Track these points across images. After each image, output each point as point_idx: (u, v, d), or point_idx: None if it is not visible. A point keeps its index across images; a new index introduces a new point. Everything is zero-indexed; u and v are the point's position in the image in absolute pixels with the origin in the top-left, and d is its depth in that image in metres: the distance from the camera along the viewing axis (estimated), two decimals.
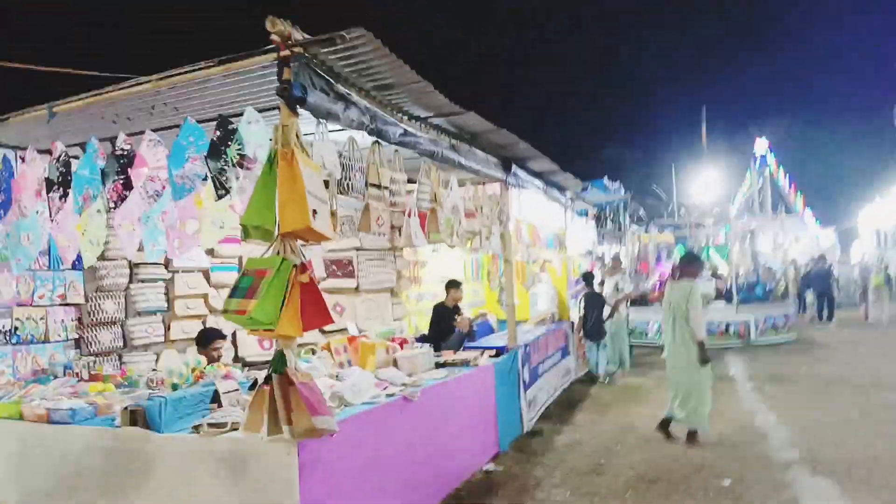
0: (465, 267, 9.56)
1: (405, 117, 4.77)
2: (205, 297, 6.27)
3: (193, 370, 4.89)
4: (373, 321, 7.42)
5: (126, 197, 4.23)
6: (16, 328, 5.14)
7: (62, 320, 5.47)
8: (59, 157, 4.56)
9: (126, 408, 3.89)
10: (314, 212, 3.35)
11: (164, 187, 4.10)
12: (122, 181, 4.23)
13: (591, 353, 10.56)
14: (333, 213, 3.86)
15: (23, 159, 4.89)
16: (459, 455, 5.41)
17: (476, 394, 6.04)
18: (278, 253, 3.40)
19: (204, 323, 6.29)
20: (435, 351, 6.90)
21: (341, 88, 3.93)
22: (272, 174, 3.38)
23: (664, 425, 6.75)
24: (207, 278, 6.39)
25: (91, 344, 5.64)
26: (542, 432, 7.18)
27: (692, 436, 6.56)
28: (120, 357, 5.87)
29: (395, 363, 5.54)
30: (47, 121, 4.41)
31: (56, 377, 5.08)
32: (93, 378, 5.05)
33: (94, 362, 5.54)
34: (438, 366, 6.09)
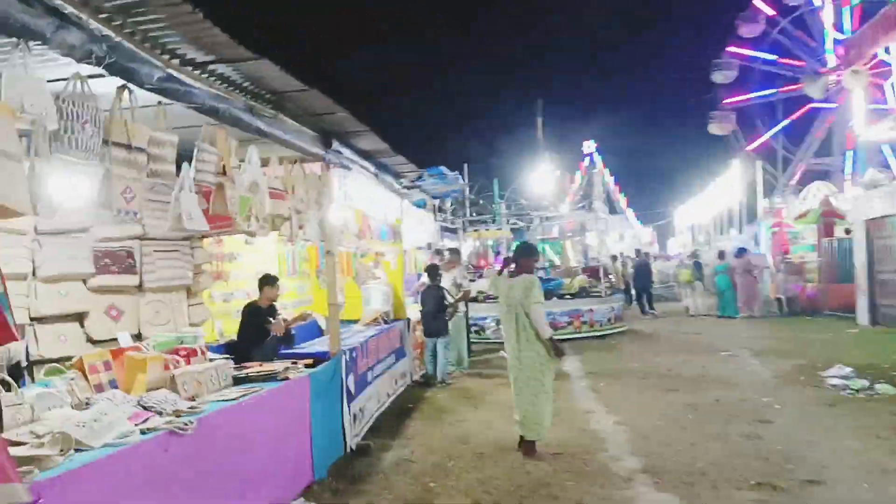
0: (284, 260, 8.38)
1: (170, 58, 3.58)
2: None
3: None
4: (162, 327, 6.06)
5: None
6: None
7: None
8: None
9: None
10: None
11: None
12: None
13: (429, 351, 9.84)
14: (31, 178, 2.64)
15: None
16: (254, 495, 4.32)
17: (283, 414, 4.96)
18: None
19: None
20: (244, 361, 5.75)
21: None
22: None
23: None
24: None
25: None
26: (368, 450, 6.25)
27: (530, 446, 5.97)
28: None
29: (171, 382, 4.32)
30: None
31: None
32: None
33: None
34: (238, 381, 4.95)
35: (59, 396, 3.78)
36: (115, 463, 3.08)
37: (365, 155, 7.41)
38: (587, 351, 12.32)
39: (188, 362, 4.77)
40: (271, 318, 6.76)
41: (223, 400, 4.29)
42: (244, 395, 4.44)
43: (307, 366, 5.74)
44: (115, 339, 5.60)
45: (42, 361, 5.17)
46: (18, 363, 4.59)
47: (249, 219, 5.13)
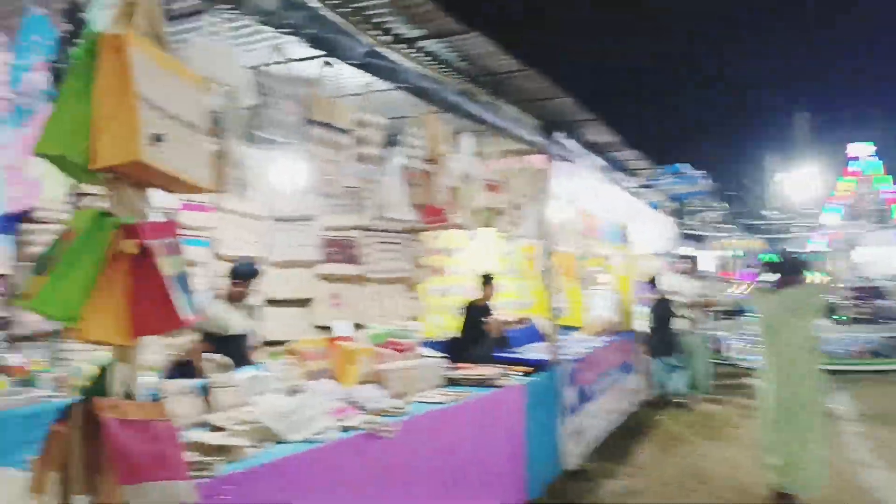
0: (508, 258, 7.97)
1: (376, 32, 3.27)
2: None
3: None
4: (381, 318, 6.01)
5: None
6: None
7: None
8: None
9: None
10: (156, 137, 1.92)
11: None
12: None
13: (658, 372, 8.80)
14: (221, 156, 2.45)
15: None
16: None
17: (494, 424, 4.51)
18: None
19: None
20: (460, 361, 5.44)
21: None
22: (86, 76, 1.95)
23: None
24: None
25: (16, 326, 4.45)
26: (588, 473, 5.58)
27: (789, 501, 4.82)
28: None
29: (381, 377, 4.09)
30: None
31: None
32: None
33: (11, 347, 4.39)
34: (452, 383, 4.60)
35: (269, 381, 3.73)
36: (307, 459, 2.83)
37: (592, 148, 6.72)
38: (861, 387, 10.20)
39: (400, 355, 4.53)
40: (485, 318, 6.42)
41: (430, 402, 3.95)
42: (453, 400, 4.06)
43: (524, 374, 5.25)
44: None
45: (272, 343, 5.33)
46: (242, 343, 4.74)
47: (460, 211, 4.75)
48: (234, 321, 4.62)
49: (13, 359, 4.32)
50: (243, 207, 5.25)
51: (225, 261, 5.24)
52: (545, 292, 6.06)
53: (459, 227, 5.60)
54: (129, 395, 1.98)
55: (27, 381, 3.90)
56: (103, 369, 1.99)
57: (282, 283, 5.43)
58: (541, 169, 5.94)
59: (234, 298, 4.65)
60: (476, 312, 6.25)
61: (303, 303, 5.63)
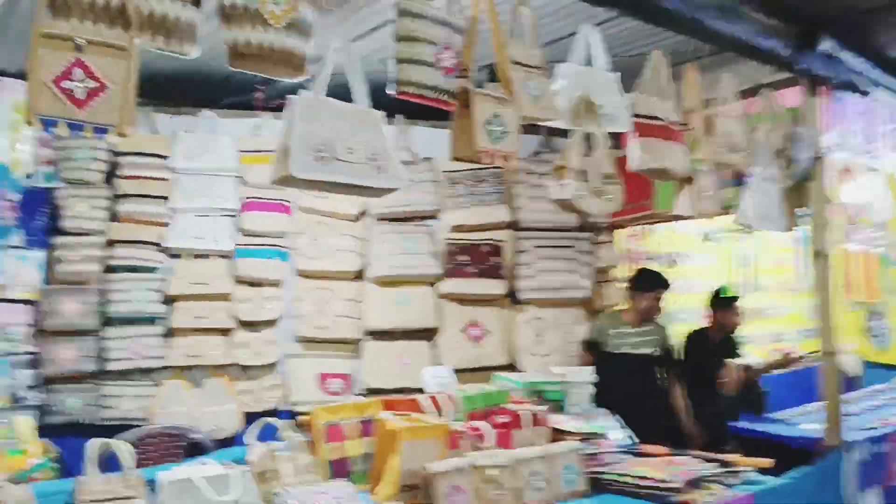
0: (758, 265, 5.31)
1: None
2: (224, 297, 3.76)
3: None
4: (545, 358, 4.08)
5: None
6: None
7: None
8: None
9: None
10: None
11: None
12: None
13: None
14: None
15: None
16: None
17: None
18: None
19: (226, 336, 3.79)
20: (658, 438, 3.36)
21: None
22: None
23: None
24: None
25: (47, 364, 3.58)
26: None
27: None
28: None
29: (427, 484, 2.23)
30: None
31: None
32: None
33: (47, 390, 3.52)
34: (601, 488, 2.56)
35: (231, 481, 2.13)
36: None
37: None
38: None
39: (505, 438, 2.61)
40: (726, 359, 4.13)
41: None
42: None
43: (768, 469, 2.87)
44: (479, 370, 3.92)
45: (376, 391, 3.80)
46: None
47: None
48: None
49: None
50: (327, 205, 3.82)
51: (306, 276, 3.85)
52: (872, 317, 3.57)
53: (675, 217, 3.59)
54: None
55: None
56: None
57: (385, 306, 3.86)
58: (795, 108, 3.45)
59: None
60: (701, 351, 4.02)
61: (422, 335, 3.99)
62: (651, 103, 2.47)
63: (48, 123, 1.47)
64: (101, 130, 1.55)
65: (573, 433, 2.80)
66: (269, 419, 2.53)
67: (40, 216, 3.68)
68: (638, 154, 2.39)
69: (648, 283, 3.93)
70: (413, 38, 2.34)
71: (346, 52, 2.20)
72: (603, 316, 4.18)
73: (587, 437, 2.85)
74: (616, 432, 3.14)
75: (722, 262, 4.57)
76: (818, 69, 3.18)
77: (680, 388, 3.99)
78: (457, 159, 2.41)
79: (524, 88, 2.24)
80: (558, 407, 3.39)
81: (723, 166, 2.76)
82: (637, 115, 2.43)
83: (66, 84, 1.50)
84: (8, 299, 3.50)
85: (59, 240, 3.61)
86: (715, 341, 4.26)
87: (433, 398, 2.77)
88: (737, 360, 4.14)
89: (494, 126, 2.32)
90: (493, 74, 2.63)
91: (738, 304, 4.31)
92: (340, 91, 2.15)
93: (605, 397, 3.93)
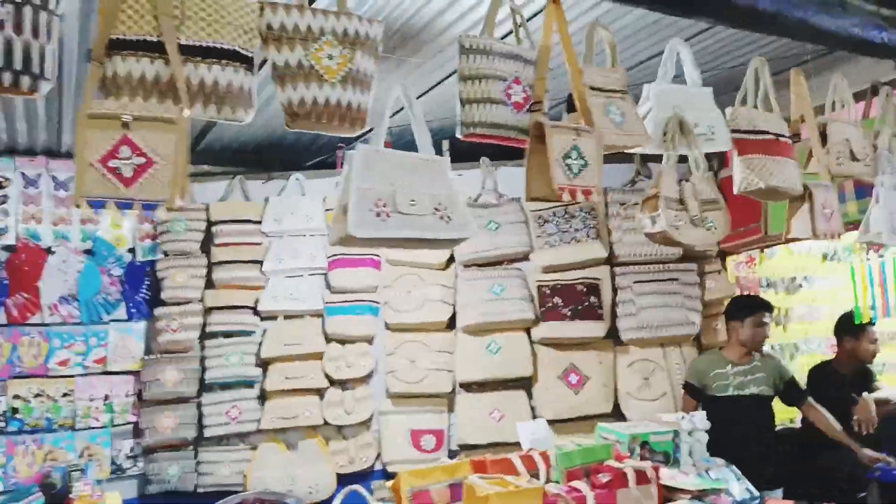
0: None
1: None
2: (317, 356, 3.73)
3: None
4: (651, 403, 3.74)
5: None
6: (14, 410, 3.49)
7: (105, 395, 3.64)
8: None
9: None
10: None
11: None
12: None
13: None
14: None
15: None
16: None
17: None
18: None
19: (321, 397, 3.74)
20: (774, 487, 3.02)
21: None
22: None
23: None
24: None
25: (148, 433, 3.65)
26: None
27: None
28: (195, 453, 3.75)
29: None
30: None
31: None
32: None
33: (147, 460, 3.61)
34: None
35: None
36: None
37: None
38: None
39: (607, 499, 2.34)
40: (860, 393, 3.69)
41: None
42: None
43: None
44: (580, 419, 3.69)
45: (472, 447, 3.64)
46: None
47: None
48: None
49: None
50: (415, 255, 3.74)
51: (397, 331, 3.76)
52: None
53: (791, 240, 3.23)
54: None
55: None
56: None
57: (479, 356, 3.68)
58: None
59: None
60: (827, 386, 3.56)
61: (518, 385, 3.77)
62: (754, 116, 2.21)
63: (97, 205, 1.46)
64: (150, 206, 1.52)
65: (686, 490, 2.49)
66: (356, 486, 2.41)
67: (143, 289, 3.83)
68: (742, 174, 2.13)
69: (744, 309, 3.54)
70: (479, 76, 2.23)
71: (407, 98, 2.12)
72: (703, 355, 3.81)
73: (702, 494, 2.53)
74: (735, 485, 2.78)
75: (849, 283, 4.07)
76: None
77: (820, 412, 3.46)
78: (533, 199, 2.26)
79: (606, 115, 2.05)
80: (670, 459, 3.07)
81: (842, 179, 2.43)
82: (738, 131, 2.17)
83: (112, 163, 1.49)
84: (112, 371, 3.63)
85: (160, 310, 3.72)
86: (845, 373, 3.77)
87: (527, 457, 2.56)
88: (873, 394, 3.64)
89: (573, 159, 2.15)
90: (571, 104, 2.47)
91: (872, 329, 3.81)
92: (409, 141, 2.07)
93: (713, 447, 3.56)
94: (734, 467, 3.01)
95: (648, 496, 2.43)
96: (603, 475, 2.44)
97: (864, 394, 3.56)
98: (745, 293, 4.24)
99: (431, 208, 1.81)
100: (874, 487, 3.46)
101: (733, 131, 2.18)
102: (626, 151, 2.14)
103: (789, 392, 3.55)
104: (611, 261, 3.89)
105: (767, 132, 2.19)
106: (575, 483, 2.41)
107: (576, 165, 1.92)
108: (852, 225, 2.95)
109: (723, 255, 4.14)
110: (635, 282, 3.87)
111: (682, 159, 2.52)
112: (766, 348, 3.68)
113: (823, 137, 2.37)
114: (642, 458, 2.99)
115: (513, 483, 2.27)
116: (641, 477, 2.46)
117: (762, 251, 4.32)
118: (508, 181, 3.96)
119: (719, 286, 3.96)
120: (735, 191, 2.20)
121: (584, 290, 3.80)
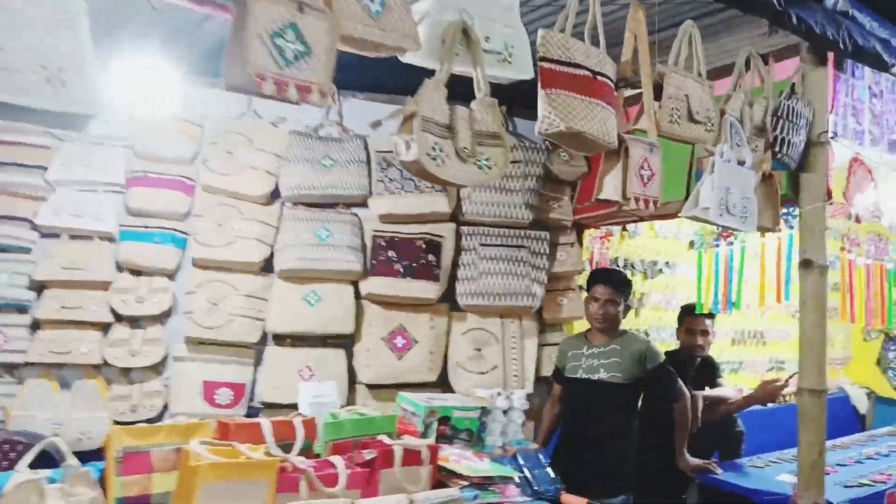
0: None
1: None
2: (103, 286, 3.20)
3: None
4: (483, 376, 3.46)
5: None
6: None
7: None
8: None
9: None
10: None
11: None
12: None
13: None
14: None
15: None
16: None
17: None
18: None
19: (105, 333, 3.24)
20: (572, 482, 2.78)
21: None
22: None
23: None
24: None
25: None
26: None
27: None
28: None
29: None
30: None
31: None
32: None
33: None
34: None
35: None
36: None
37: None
38: None
39: (366, 480, 1.99)
40: (699, 390, 3.54)
41: None
42: None
43: None
44: (402, 387, 3.35)
45: (273, 406, 3.25)
46: None
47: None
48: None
49: None
50: (231, 184, 3.25)
51: (202, 268, 3.28)
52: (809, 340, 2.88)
53: (657, 216, 3.06)
54: None
55: None
56: None
57: (295, 306, 3.27)
58: (791, 80, 2.78)
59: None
60: (663, 378, 3.34)
61: (337, 342, 3.39)
62: (571, 45, 1.83)
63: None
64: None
65: (466, 476, 2.18)
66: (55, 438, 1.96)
67: None
68: (543, 111, 1.76)
69: (589, 281, 3.29)
70: None
71: None
72: (570, 336, 3.55)
73: (488, 482, 2.23)
74: (537, 473, 2.51)
75: (708, 273, 3.89)
76: (824, 29, 2.52)
77: (683, 406, 3.17)
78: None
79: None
80: (473, 438, 2.77)
81: (674, 140, 2.12)
82: (547, 59, 1.79)
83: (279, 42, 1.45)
84: None
85: None
86: (688, 366, 3.60)
87: (286, 423, 2.18)
88: (709, 391, 3.48)
89: (286, 40, 1.64)
90: None
91: (700, 319, 3.63)
92: None
93: (564, 434, 3.31)
94: (543, 454, 2.76)
95: (415, 479, 2.10)
96: (368, 452, 2.08)
97: (697, 392, 3.39)
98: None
99: (34, 65, 1.33)
100: (693, 490, 3.33)
101: (541, 59, 1.80)
102: (383, 55, 1.70)
103: (652, 386, 3.17)
104: (457, 218, 3.54)
105: (584, 66, 1.83)
106: (333, 458, 2.04)
107: (289, 50, 1.47)
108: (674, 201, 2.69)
109: (581, 228, 3.87)
110: (481, 244, 3.54)
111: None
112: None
113: (658, 90, 2.05)
114: (440, 434, 2.69)
115: (245, 454, 1.87)
116: (411, 457, 2.12)
117: (624, 228, 4.09)
118: (358, 115, 3.52)
119: (570, 260, 3.69)
120: (535, 131, 1.84)
121: (424, 246, 3.43)
